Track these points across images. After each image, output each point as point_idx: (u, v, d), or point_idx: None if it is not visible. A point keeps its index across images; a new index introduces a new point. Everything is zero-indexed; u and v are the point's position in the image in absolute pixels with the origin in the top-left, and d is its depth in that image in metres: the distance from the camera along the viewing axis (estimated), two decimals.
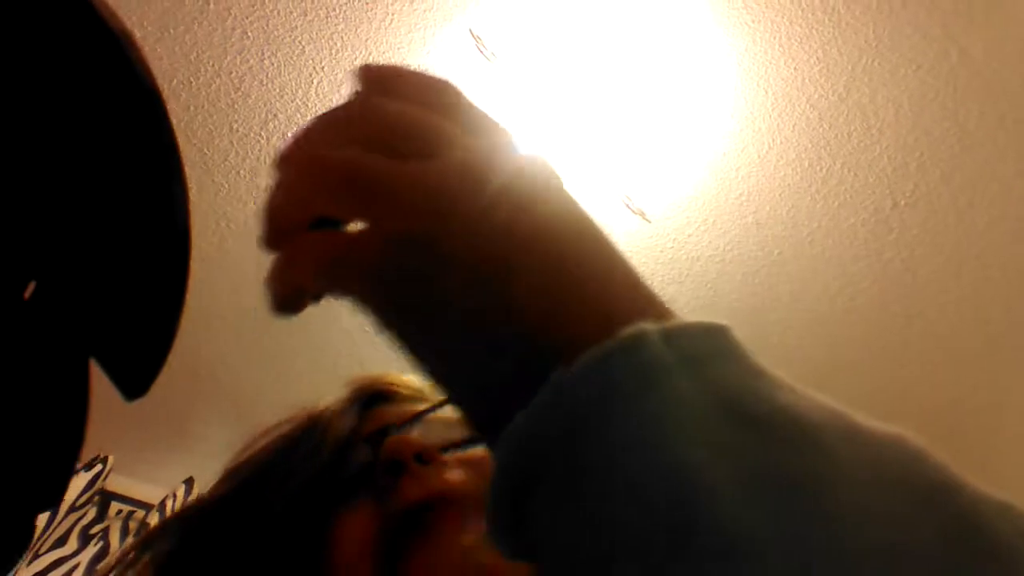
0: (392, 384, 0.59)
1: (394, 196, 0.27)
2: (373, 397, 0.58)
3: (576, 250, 0.28)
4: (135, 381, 0.30)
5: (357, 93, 0.31)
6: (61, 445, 0.29)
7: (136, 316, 0.30)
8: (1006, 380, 2.00)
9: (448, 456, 0.50)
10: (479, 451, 0.51)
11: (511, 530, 0.26)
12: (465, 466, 0.50)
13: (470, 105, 0.31)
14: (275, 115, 1.59)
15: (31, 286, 0.28)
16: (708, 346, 0.25)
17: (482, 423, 0.29)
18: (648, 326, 0.25)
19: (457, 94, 0.31)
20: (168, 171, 0.29)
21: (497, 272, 0.27)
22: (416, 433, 0.51)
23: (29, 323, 0.28)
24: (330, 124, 0.30)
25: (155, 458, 2.41)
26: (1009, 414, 2.08)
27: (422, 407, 0.54)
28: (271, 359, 2.09)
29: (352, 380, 0.60)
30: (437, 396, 0.57)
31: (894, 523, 0.22)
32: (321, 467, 0.51)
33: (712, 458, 0.22)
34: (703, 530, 0.21)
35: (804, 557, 0.21)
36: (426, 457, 0.49)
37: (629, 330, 0.25)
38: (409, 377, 0.59)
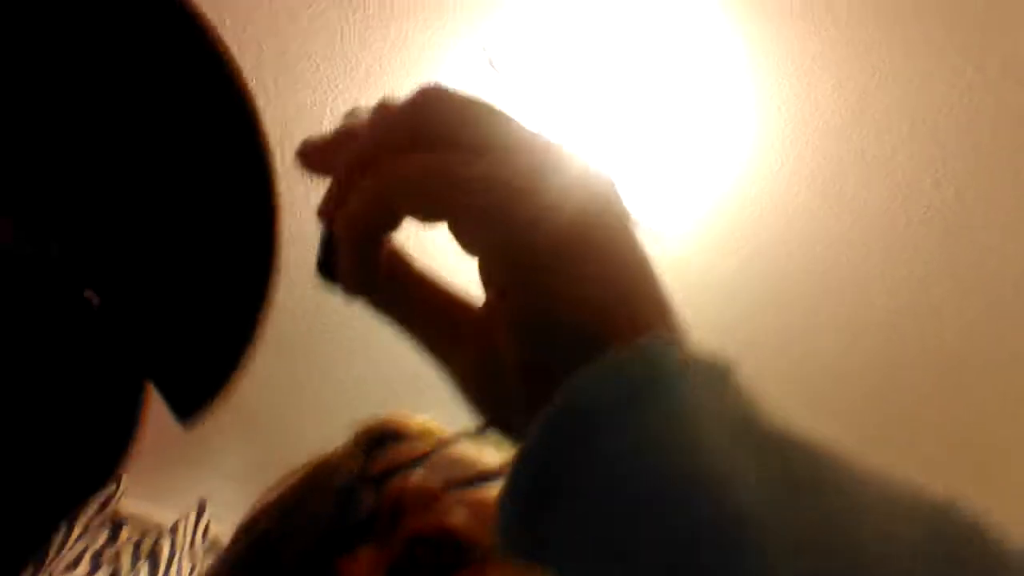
0: (399, 423, 0.59)
1: (467, 196, 0.29)
2: (380, 438, 0.57)
3: (622, 260, 0.30)
4: (190, 405, 0.28)
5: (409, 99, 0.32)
6: (100, 456, 0.27)
7: (204, 339, 0.28)
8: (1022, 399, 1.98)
9: (452, 495, 0.50)
10: (483, 492, 0.51)
11: (525, 526, 0.26)
12: (468, 506, 0.49)
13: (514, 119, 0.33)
14: (290, 134, 1.60)
15: (94, 298, 0.27)
16: (720, 370, 0.27)
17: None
18: (670, 340, 0.27)
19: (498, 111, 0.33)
20: (261, 182, 0.28)
21: (555, 268, 0.28)
22: (421, 473, 0.51)
23: (91, 332, 0.27)
24: (392, 123, 0.31)
25: (167, 480, 2.41)
26: None
27: (429, 444, 0.55)
28: (285, 381, 2.09)
29: (358, 423, 0.60)
30: (444, 434, 0.58)
31: (897, 527, 0.23)
32: (326, 519, 0.51)
33: (736, 459, 0.24)
34: (727, 519, 0.22)
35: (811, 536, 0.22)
36: (428, 498, 0.49)
37: (653, 338, 0.27)
38: (417, 416, 0.59)
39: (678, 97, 1.51)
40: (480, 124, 0.30)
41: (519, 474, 0.26)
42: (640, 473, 0.24)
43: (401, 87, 1.50)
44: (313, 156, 0.34)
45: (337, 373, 2.04)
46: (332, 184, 0.32)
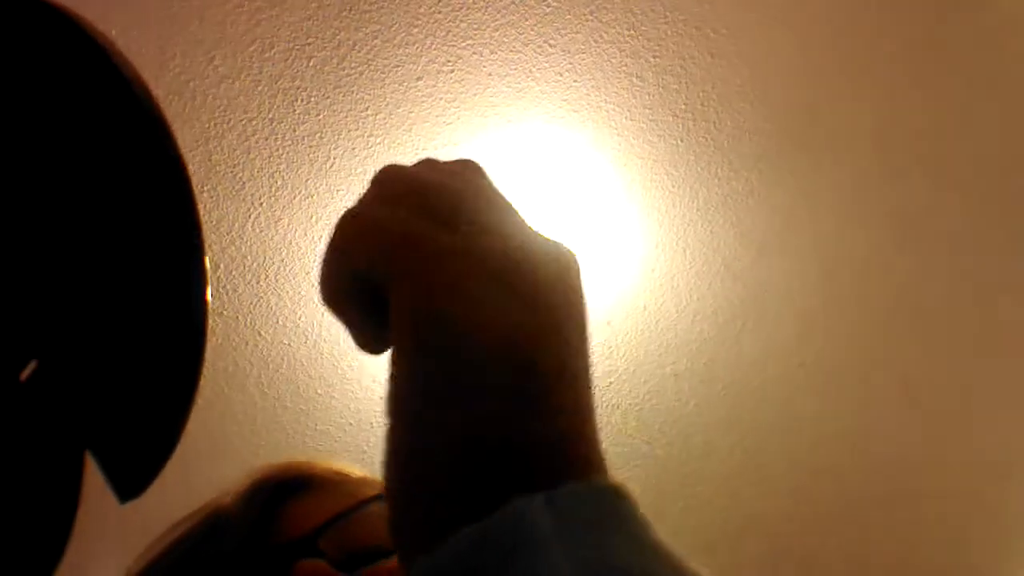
0: (303, 470, 0.54)
1: (425, 260, 0.29)
2: (282, 487, 0.52)
3: (563, 350, 0.29)
4: (132, 481, 0.28)
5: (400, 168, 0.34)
6: (44, 541, 0.26)
7: (141, 409, 0.28)
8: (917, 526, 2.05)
9: (363, 572, 0.47)
10: (390, 564, 0.47)
11: None
12: None
13: (492, 184, 0.34)
14: (209, 247, 1.61)
15: (31, 366, 0.26)
16: (591, 513, 0.26)
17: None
18: (534, 500, 0.26)
19: (482, 171, 0.34)
20: (188, 255, 0.28)
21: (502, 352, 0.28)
22: (328, 544, 0.47)
23: (23, 405, 0.26)
24: (383, 186, 0.33)
25: None
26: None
27: (337, 497, 0.50)
28: (160, 491, 2.01)
29: (256, 469, 0.55)
30: (351, 477, 0.54)
31: None
32: None
33: None
34: None
35: None
36: None
37: (515, 502, 0.26)
38: (322, 461, 0.55)
39: (592, 235, 1.58)
40: (454, 197, 0.31)
41: None
42: None
43: (325, 210, 1.54)
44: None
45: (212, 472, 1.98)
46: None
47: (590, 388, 0.31)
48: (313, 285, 1.56)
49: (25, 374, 0.26)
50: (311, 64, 1.39)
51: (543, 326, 0.29)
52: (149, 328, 0.28)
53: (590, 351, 0.31)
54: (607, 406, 1.80)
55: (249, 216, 1.57)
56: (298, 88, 1.41)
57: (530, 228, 0.32)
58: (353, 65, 1.40)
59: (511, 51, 1.41)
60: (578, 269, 0.32)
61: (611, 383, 1.78)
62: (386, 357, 0.31)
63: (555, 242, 0.32)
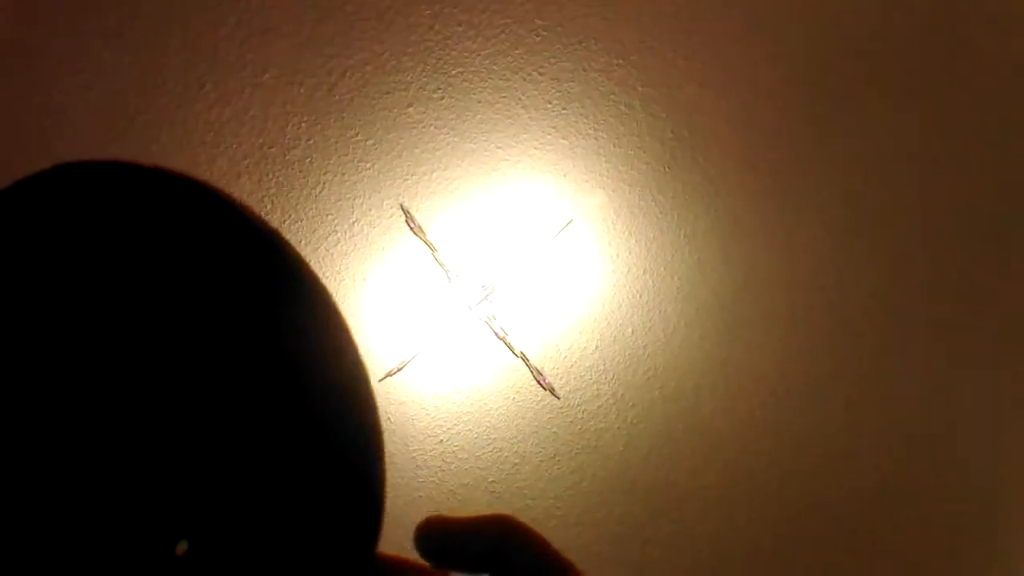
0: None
1: None
2: None
3: None
4: None
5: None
6: None
7: None
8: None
9: None
10: None
11: None
12: None
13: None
14: None
15: (184, 544, 0.25)
16: None
17: None
18: None
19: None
20: (367, 442, 0.25)
21: None
22: None
23: None
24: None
25: None
26: None
27: None
28: None
29: None
30: None
31: None
32: None
33: None
34: None
35: None
36: None
37: None
38: None
39: (579, 262, 1.59)
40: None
41: None
42: None
43: (314, 235, 1.55)
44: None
45: None
46: None
47: None
48: None
49: (180, 550, 0.26)
50: (302, 90, 1.40)
51: None
52: (319, 509, 0.27)
53: None
54: (595, 430, 1.80)
55: None
56: (289, 114, 1.42)
57: None
58: (344, 91, 1.41)
59: (501, 79, 1.42)
60: None
61: (599, 407, 1.78)
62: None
63: None
